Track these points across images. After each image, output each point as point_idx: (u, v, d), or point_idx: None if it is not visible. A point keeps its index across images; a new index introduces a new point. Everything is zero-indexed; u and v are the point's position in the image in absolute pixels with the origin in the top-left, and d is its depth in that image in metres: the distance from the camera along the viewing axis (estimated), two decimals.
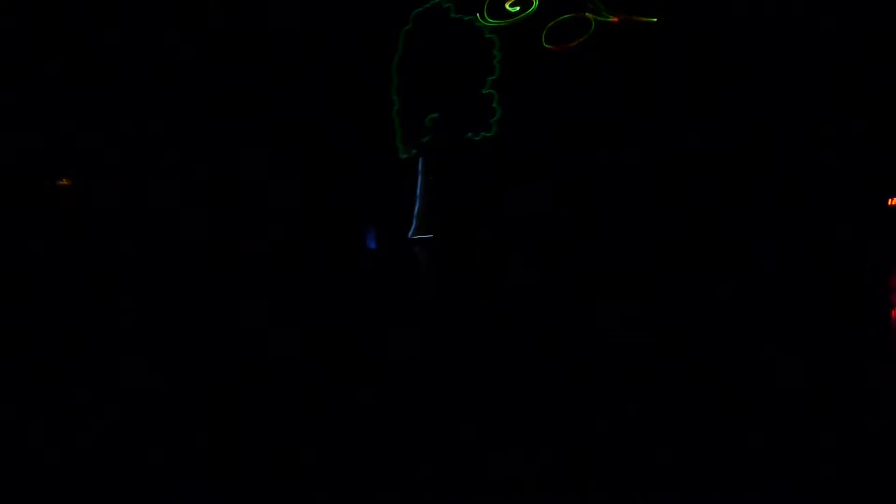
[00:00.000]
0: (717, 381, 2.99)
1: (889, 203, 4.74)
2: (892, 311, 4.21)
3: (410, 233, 7.24)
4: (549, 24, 6.90)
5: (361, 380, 3.61)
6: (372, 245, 7.21)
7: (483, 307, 4.80)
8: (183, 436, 3.27)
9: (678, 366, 3.24)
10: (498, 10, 7.18)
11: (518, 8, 7.13)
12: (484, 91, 6.79)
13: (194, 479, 2.87)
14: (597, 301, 4.56)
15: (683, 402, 2.77)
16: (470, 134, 6.89)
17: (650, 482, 2.13)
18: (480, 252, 6.56)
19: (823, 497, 1.99)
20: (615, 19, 6.73)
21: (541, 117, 6.57)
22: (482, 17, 7.17)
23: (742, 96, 5.59)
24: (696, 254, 5.26)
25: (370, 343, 4.22)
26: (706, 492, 2.08)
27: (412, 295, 5.57)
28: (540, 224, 6.90)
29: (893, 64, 5.02)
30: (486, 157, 6.76)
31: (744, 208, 5.29)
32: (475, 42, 7.07)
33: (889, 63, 5.02)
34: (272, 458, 3.03)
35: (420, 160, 7.25)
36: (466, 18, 7.09)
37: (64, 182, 8.28)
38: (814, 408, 2.64)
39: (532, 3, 6.99)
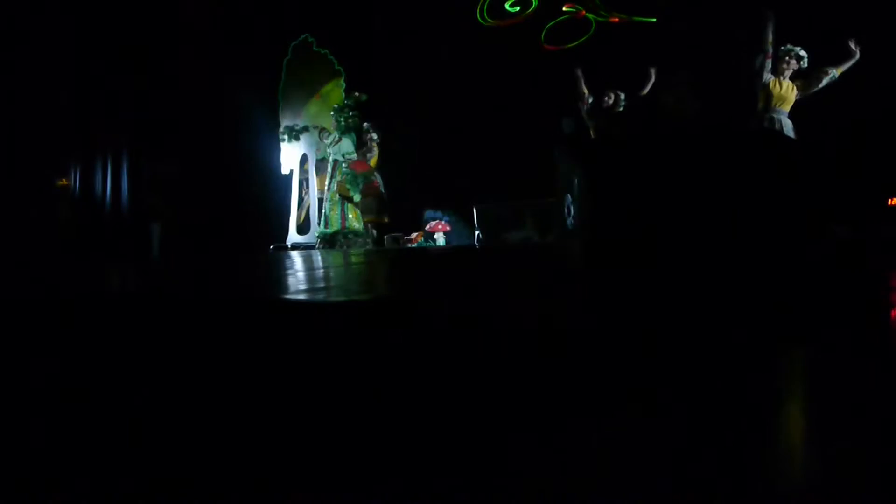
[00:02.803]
0: (713, 381, 2.96)
1: (889, 203, 4.72)
2: (893, 311, 4.18)
3: (289, 239, 8.09)
4: (549, 24, 6.91)
5: None
6: None
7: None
8: None
9: (671, 364, 3.22)
10: (498, 10, 7.19)
11: (518, 8, 7.13)
12: (332, 114, 7.56)
13: None
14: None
15: (673, 403, 2.75)
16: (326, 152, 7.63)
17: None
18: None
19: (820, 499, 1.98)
20: (615, 19, 6.72)
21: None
22: (482, 16, 7.18)
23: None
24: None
25: None
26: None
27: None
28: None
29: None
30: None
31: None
32: (329, 71, 8.28)
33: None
34: None
35: (294, 174, 8.32)
36: (323, 52, 8.32)
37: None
38: (812, 408, 2.62)
39: (531, 3, 7.00)
